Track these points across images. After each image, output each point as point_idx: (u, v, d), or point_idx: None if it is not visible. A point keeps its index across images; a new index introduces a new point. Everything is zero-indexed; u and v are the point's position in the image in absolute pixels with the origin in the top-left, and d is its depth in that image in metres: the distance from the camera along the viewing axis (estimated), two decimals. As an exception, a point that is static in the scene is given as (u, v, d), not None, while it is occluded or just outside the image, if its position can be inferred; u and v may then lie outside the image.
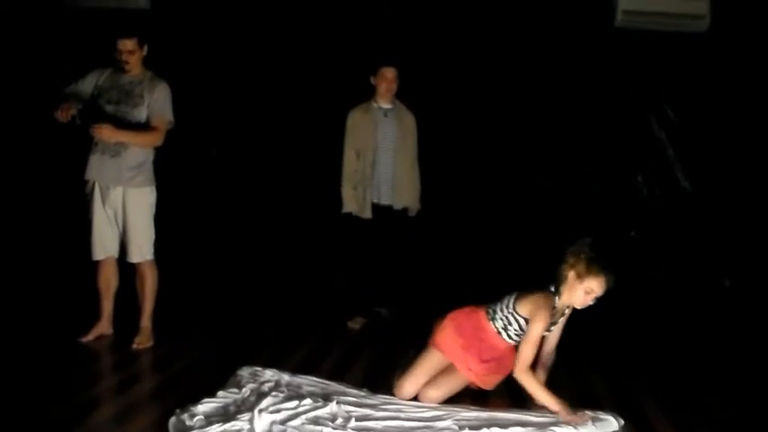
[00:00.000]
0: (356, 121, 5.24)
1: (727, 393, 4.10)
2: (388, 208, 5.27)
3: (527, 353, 3.47)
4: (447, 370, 3.71)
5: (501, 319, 3.67)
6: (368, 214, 5.19)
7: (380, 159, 5.22)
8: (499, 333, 3.68)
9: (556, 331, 3.72)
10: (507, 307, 3.66)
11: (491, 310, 3.72)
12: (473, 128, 6.81)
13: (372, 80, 5.24)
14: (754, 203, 6.59)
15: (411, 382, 3.64)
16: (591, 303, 3.53)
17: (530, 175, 6.82)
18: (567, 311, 3.68)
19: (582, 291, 3.48)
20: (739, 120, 6.61)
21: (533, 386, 3.47)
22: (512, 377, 3.59)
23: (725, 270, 6.72)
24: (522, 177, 6.83)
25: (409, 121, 5.37)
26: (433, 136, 6.34)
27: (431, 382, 3.66)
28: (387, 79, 5.20)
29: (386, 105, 5.29)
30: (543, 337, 3.62)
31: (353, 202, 5.21)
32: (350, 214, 5.23)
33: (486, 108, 6.79)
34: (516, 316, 3.62)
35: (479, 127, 6.80)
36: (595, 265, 3.45)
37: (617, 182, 6.88)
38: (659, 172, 6.83)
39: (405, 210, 5.37)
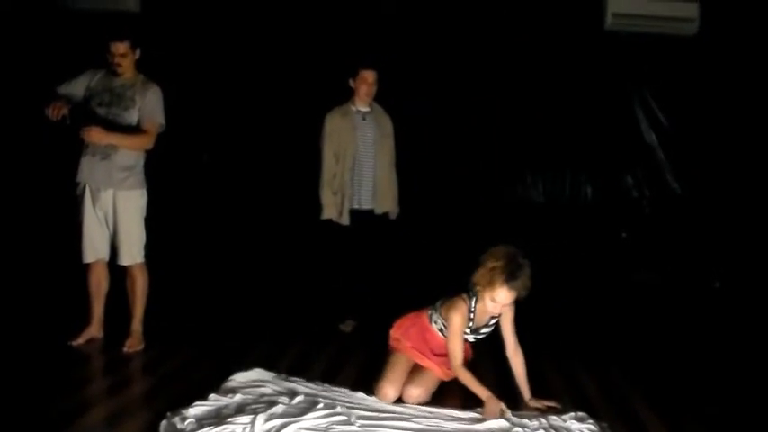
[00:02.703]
0: (334, 125, 5.12)
1: (718, 393, 4.12)
2: (369, 212, 5.17)
3: (453, 349, 3.66)
4: (420, 368, 3.80)
5: (436, 322, 3.84)
6: (346, 221, 5.09)
7: (360, 164, 5.12)
8: (441, 331, 3.83)
9: (506, 329, 3.75)
10: (437, 311, 3.85)
11: (430, 313, 3.88)
12: (467, 125, 6.83)
13: (351, 82, 5.13)
14: (743, 205, 6.63)
15: (390, 385, 3.67)
16: (506, 308, 3.62)
17: (522, 173, 6.86)
18: (499, 311, 3.69)
19: (488, 299, 3.56)
20: (729, 122, 6.65)
21: (467, 379, 3.63)
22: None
23: (714, 271, 6.75)
24: (515, 175, 6.86)
25: (387, 124, 5.28)
26: (428, 132, 6.38)
27: (410, 381, 3.71)
28: (367, 82, 5.08)
29: (363, 108, 5.18)
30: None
31: (333, 208, 5.10)
32: (330, 220, 5.12)
33: (480, 108, 6.82)
34: (443, 319, 3.79)
35: (473, 125, 6.82)
36: (500, 275, 3.47)
37: (607, 183, 6.91)
38: (649, 173, 6.86)
39: (385, 214, 5.28)
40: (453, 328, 3.67)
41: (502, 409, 3.45)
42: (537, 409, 3.60)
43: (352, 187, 5.11)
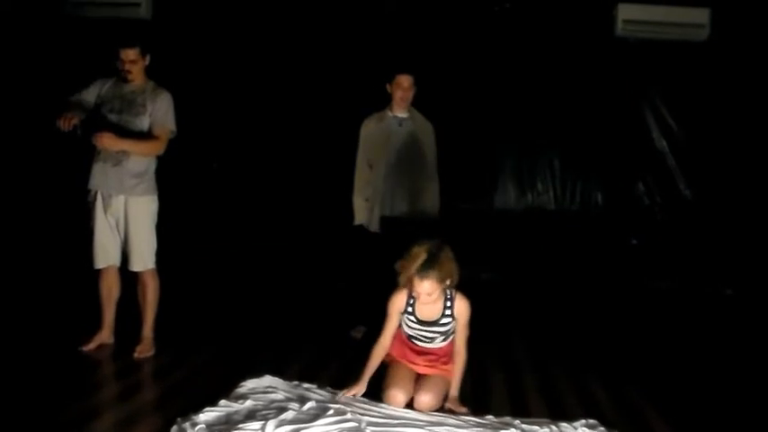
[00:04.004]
0: (369, 131, 5.05)
1: (729, 401, 4.09)
2: (401, 220, 5.01)
3: (383, 327, 3.82)
4: (426, 375, 3.81)
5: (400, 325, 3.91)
6: (375, 227, 5.00)
7: (393, 171, 4.99)
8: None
9: (457, 331, 3.82)
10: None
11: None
12: (477, 132, 6.83)
13: (389, 88, 5.02)
14: (755, 211, 6.60)
15: (398, 390, 3.68)
16: (434, 297, 3.67)
17: (533, 180, 6.86)
18: (456, 310, 3.77)
19: (417, 294, 3.67)
20: (740, 128, 6.63)
21: (371, 358, 3.80)
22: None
23: (726, 278, 6.71)
24: (526, 182, 6.86)
25: (426, 130, 5.13)
26: (438, 140, 6.41)
27: (419, 389, 3.71)
28: (402, 87, 4.96)
29: (401, 114, 5.05)
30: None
31: (364, 213, 5.03)
32: (361, 226, 5.04)
33: (490, 114, 6.82)
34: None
35: (484, 131, 6.82)
36: (413, 269, 3.59)
37: (619, 190, 6.89)
38: (660, 180, 6.84)
39: (423, 223, 5.03)
40: (387, 308, 3.80)
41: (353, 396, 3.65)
42: (450, 410, 3.64)
43: (384, 194, 5.00)
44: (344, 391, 3.68)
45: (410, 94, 5.03)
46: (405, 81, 4.98)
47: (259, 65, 6.92)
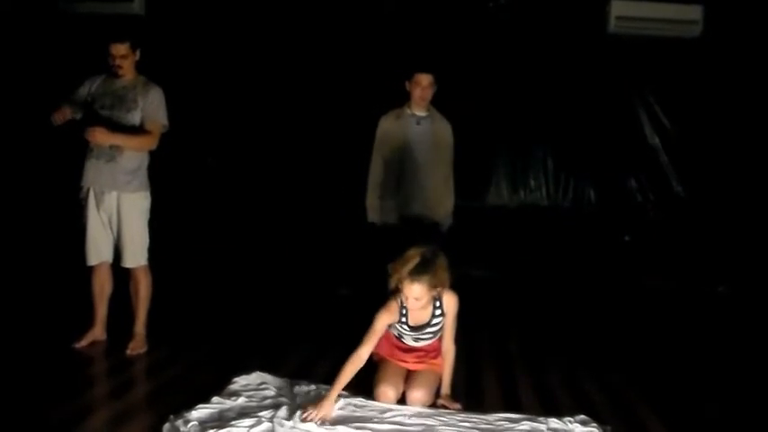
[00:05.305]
0: (386, 128, 4.95)
1: (722, 399, 4.10)
2: (416, 220, 4.91)
3: (364, 338, 3.60)
4: (416, 371, 3.82)
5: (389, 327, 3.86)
6: (390, 224, 4.89)
7: (409, 169, 4.89)
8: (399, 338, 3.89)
9: (445, 328, 3.80)
10: None
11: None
12: (469, 129, 6.80)
13: (407, 86, 4.91)
14: (747, 208, 6.62)
15: (388, 386, 3.68)
16: (421, 304, 3.63)
17: (526, 177, 6.87)
18: (445, 306, 3.75)
19: (406, 298, 3.61)
20: (733, 125, 6.64)
21: (344, 371, 3.51)
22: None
23: (719, 275, 6.73)
24: (519, 179, 6.87)
25: (444, 130, 5.02)
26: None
27: (410, 385, 3.72)
28: (420, 85, 4.85)
29: (420, 113, 4.93)
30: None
31: (377, 212, 4.94)
32: (374, 224, 4.96)
33: (482, 111, 6.81)
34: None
35: (476, 129, 6.80)
36: (405, 272, 3.55)
37: (611, 187, 6.90)
38: (653, 177, 6.86)
39: (436, 224, 4.97)
40: (375, 322, 3.69)
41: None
42: (443, 407, 3.65)
43: (399, 192, 4.92)
44: (308, 413, 3.31)
45: (429, 93, 4.92)
46: (424, 80, 4.87)
47: (254, 59, 6.90)
